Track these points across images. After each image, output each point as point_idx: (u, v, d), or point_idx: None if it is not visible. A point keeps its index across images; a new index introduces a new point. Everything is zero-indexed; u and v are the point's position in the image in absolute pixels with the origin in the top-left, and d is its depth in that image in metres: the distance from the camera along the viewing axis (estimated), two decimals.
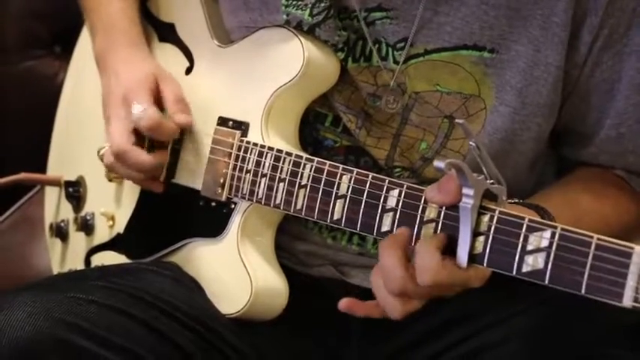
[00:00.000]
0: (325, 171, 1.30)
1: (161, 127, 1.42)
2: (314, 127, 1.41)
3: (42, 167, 1.74)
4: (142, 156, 1.43)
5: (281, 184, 1.34)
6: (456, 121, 1.20)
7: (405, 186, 1.23)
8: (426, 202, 1.20)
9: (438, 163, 1.13)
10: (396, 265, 1.19)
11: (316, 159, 1.32)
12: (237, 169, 1.39)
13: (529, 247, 1.13)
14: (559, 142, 1.42)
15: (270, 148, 1.36)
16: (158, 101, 1.45)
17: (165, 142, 1.46)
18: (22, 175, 1.71)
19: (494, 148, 1.34)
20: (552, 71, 1.33)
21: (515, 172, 1.38)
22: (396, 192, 1.23)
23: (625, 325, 1.22)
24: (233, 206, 1.40)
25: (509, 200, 1.21)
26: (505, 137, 1.35)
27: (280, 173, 1.34)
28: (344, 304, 1.26)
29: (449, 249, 1.18)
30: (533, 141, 1.37)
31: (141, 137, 1.44)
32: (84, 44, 1.64)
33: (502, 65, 1.33)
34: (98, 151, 1.49)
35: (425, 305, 1.30)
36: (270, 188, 1.35)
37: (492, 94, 1.34)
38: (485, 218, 1.16)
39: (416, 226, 1.21)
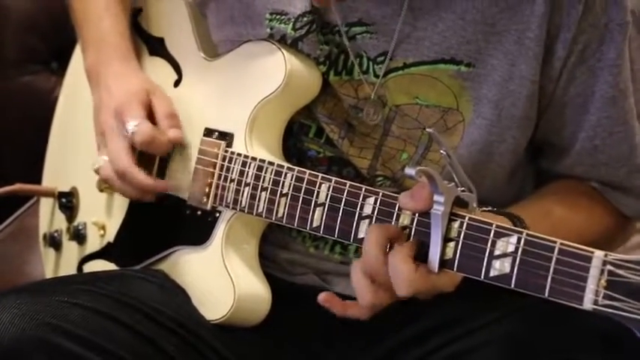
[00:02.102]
0: (305, 180, 1.32)
1: (155, 143, 1.45)
2: (298, 138, 1.43)
3: (38, 179, 1.76)
4: (143, 178, 1.45)
5: (263, 193, 1.36)
6: (427, 130, 1.24)
7: (380, 194, 1.25)
8: (400, 209, 1.23)
9: (409, 171, 1.16)
10: (380, 264, 1.21)
11: (297, 168, 1.34)
12: (222, 178, 1.41)
13: (496, 252, 1.15)
14: (537, 154, 1.44)
15: (254, 158, 1.38)
16: (149, 115, 1.47)
17: (156, 155, 1.49)
18: (17, 186, 1.73)
19: (472, 159, 1.37)
20: (527, 85, 1.35)
21: (494, 182, 1.41)
22: (372, 200, 1.25)
23: (598, 331, 1.23)
24: (218, 215, 1.42)
25: (484, 208, 1.24)
26: (482, 149, 1.37)
27: (263, 182, 1.37)
28: (323, 296, 1.27)
29: (421, 255, 1.20)
30: (510, 153, 1.39)
31: (133, 151, 1.46)
32: (77, 60, 1.66)
33: (479, 79, 1.35)
34: (93, 164, 1.51)
35: (406, 313, 1.35)
36: (253, 197, 1.37)
37: (470, 107, 1.36)
38: (456, 224, 1.18)
39: None
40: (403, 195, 1.22)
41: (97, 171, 1.50)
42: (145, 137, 1.44)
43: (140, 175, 1.45)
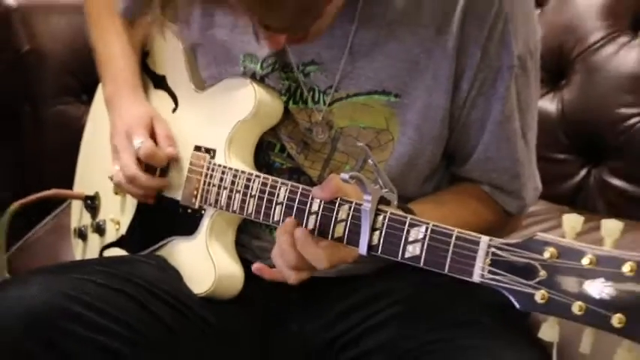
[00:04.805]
0: (268, 184, 1.35)
1: (155, 156, 1.47)
2: (266, 153, 1.45)
3: (70, 186, 1.77)
4: (148, 180, 1.48)
5: (237, 195, 1.38)
6: (358, 144, 1.26)
7: None
8: (339, 205, 1.25)
9: (344, 176, 1.19)
10: (289, 248, 1.25)
11: (262, 175, 1.36)
12: (207, 184, 1.43)
13: (410, 239, 1.18)
14: (448, 161, 1.46)
15: (230, 169, 1.40)
16: (152, 135, 1.49)
17: (157, 167, 1.51)
18: (53, 191, 1.73)
19: (400, 168, 1.39)
20: (441, 111, 1.37)
21: (416, 184, 1.42)
22: (318, 200, 1.28)
23: (489, 300, 1.22)
24: (203, 212, 1.44)
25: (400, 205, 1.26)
26: (408, 161, 1.39)
27: (237, 186, 1.39)
28: (255, 266, 1.31)
29: (353, 241, 1.23)
30: (428, 162, 1.41)
31: (139, 163, 1.49)
32: (99, 93, 1.68)
33: (404, 107, 1.37)
34: (109, 173, 1.53)
35: (349, 287, 1.42)
36: (229, 198, 1.39)
37: (397, 128, 1.38)
38: (380, 218, 1.21)
39: (331, 224, 1.26)
40: (315, 188, 1.26)
41: (111, 178, 1.52)
42: (147, 152, 1.46)
43: (144, 177, 1.47)
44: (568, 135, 1.90)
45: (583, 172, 1.91)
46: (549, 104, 1.91)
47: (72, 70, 2.01)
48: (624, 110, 1.86)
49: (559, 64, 1.93)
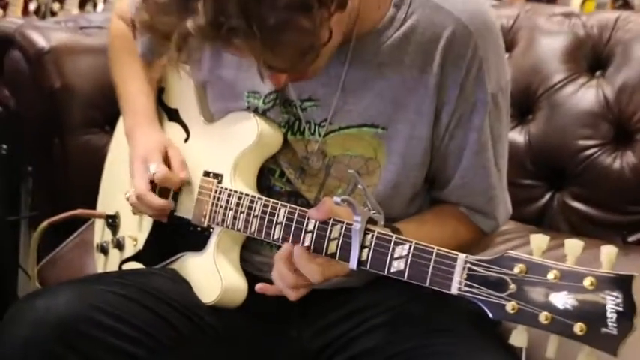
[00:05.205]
0: (269, 206, 1.34)
1: (169, 180, 1.47)
2: (267, 178, 1.44)
3: (94, 206, 1.76)
4: (154, 199, 1.47)
5: (241, 215, 1.37)
6: (349, 171, 1.26)
7: None
8: (332, 225, 1.24)
9: (336, 199, 1.19)
10: (287, 271, 1.25)
11: (264, 198, 1.35)
12: (215, 205, 1.42)
13: (395, 255, 1.18)
14: (429, 186, 1.45)
15: (236, 192, 1.39)
16: (166, 162, 1.49)
17: (171, 189, 1.49)
18: (79, 211, 1.72)
19: (386, 192, 1.37)
20: (423, 142, 1.36)
21: (401, 206, 1.41)
22: (313, 220, 1.27)
23: (466, 310, 1.23)
24: (211, 230, 1.43)
25: (386, 225, 1.25)
26: (393, 186, 1.38)
27: (241, 208, 1.38)
28: (259, 286, 1.31)
29: (344, 257, 1.22)
30: (411, 187, 1.40)
31: (155, 186, 1.48)
32: (120, 125, 1.67)
33: (390, 138, 1.36)
34: (125, 194, 1.53)
35: (340, 299, 1.40)
36: (234, 218, 1.38)
37: (384, 157, 1.37)
38: (369, 236, 1.20)
39: (325, 242, 1.25)
40: (311, 210, 1.26)
41: (127, 199, 1.51)
42: (161, 175, 1.45)
43: (151, 197, 1.46)
44: (534, 163, 1.91)
45: (547, 196, 1.92)
46: (518, 136, 1.92)
47: (97, 104, 2.00)
48: (583, 142, 1.87)
49: (526, 102, 1.94)
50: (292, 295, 1.27)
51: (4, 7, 3.01)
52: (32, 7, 3.03)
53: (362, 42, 1.33)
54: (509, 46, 1.99)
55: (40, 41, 2.00)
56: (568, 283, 1.04)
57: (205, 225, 1.44)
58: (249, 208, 1.36)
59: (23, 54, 2.00)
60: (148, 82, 1.59)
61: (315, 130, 1.39)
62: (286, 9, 1.11)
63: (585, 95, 1.88)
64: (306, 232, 1.27)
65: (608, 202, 1.83)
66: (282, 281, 1.27)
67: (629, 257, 1.66)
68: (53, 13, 3.06)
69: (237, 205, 1.38)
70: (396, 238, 1.18)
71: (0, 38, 2.02)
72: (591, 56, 1.91)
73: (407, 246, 1.17)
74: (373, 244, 1.20)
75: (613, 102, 1.84)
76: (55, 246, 2.01)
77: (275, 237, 1.32)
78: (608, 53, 1.88)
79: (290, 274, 1.26)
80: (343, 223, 1.24)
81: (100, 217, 1.70)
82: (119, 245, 1.62)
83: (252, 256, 1.46)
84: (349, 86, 1.36)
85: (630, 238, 1.81)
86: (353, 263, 1.21)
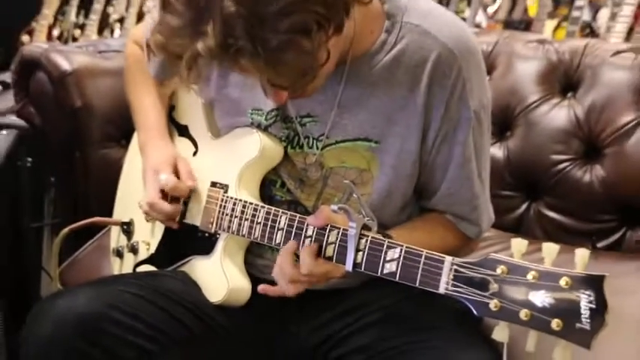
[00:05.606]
0: (271, 213, 1.33)
1: (178, 189, 1.45)
2: (269, 188, 1.43)
3: (111, 214, 1.74)
4: (164, 206, 1.46)
5: (246, 222, 1.36)
6: (344, 181, 1.25)
7: None
8: (329, 230, 1.24)
9: (333, 207, 1.19)
10: (287, 264, 1.24)
11: (267, 206, 1.34)
12: (221, 213, 1.41)
13: (387, 258, 1.17)
14: (418, 195, 1.43)
15: (240, 200, 1.38)
16: (176, 173, 1.47)
17: (180, 198, 1.48)
18: (96, 219, 1.70)
19: (379, 201, 1.36)
20: (412, 155, 1.35)
21: (393, 214, 1.39)
22: (312, 226, 1.26)
23: (453, 309, 1.22)
24: (218, 236, 1.42)
25: (379, 230, 1.24)
26: (385, 195, 1.37)
27: (245, 215, 1.37)
28: (261, 287, 1.30)
29: (340, 260, 1.21)
30: (402, 196, 1.39)
31: (165, 195, 1.46)
32: (135, 140, 1.66)
33: (383, 151, 1.35)
34: (139, 202, 1.51)
35: (335, 299, 1.37)
36: (239, 224, 1.37)
37: (377, 168, 1.36)
38: (363, 241, 1.20)
39: (323, 246, 1.24)
40: (310, 217, 1.26)
41: (141, 206, 1.50)
42: (171, 184, 1.44)
43: (162, 204, 1.45)
44: (513, 176, 1.90)
45: (524, 206, 1.91)
46: (498, 151, 1.91)
47: (114, 121, 1.99)
48: (556, 157, 1.86)
49: (505, 120, 1.93)
50: (291, 290, 1.26)
51: (30, 33, 3.01)
52: (55, 32, 3.02)
53: (356, 63, 1.33)
54: (489, 70, 1.98)
55: (64, 64, 1.99)
56: (546, 282, 1.04)
57: (213, 231, 1.42)
58: (253, 215, 1.35)
59: (48, 76, 1.99)
60: (159, 98, 1.58)
61: (313, 144, 1.38)
62: (288, 31, 1.10)
63: (558, 114, 1.88)
64: (306, 237, 1.27)
65: (579, 212, 1.83)
66: (282, 276, 1.26)
67: (599, 261, 1.65)
68: (75, 39, 3.06)
69: (242, 212, 1.37)
70: (388, 242, 1.17)
71: (27, 61, 2.02)
72: (563, 79, 1.91)
73: (398, 249, 1.16)
74: (367, 247, 1.19)
75: (583, 121, 1.84)
76: (74, 250, 1.99)
77: (277, 242, 1.31)
78: (579, 77, 1.88)
79: (290, 267, 1.25)
80: (339, 228, 1.23)
81: (115, 223, 1.69)
82: (133, 250, 1.61)
83: (256, 260, 1.44)
84: (345, 103, 1.35)
85: (599, 244, 1.82)
86: (349, 265, 1.20)
